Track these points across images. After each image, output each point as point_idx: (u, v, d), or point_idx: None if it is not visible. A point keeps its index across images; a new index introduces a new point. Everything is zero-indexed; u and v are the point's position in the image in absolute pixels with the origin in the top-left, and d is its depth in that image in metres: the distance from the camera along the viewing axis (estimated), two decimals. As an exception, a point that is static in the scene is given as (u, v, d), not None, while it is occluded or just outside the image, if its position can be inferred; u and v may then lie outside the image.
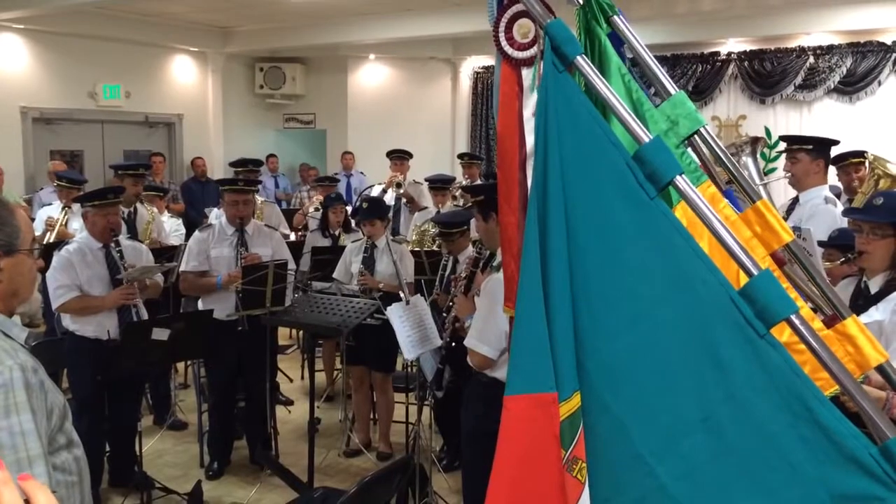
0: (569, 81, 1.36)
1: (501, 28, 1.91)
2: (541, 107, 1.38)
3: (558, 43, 1.34)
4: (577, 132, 1.35)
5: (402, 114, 11.79)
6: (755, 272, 1.26)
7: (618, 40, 1.88)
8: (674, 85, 1.73)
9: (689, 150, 1.79)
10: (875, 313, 2.79)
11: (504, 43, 1.91)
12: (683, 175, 1.30)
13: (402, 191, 7.89)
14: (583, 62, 1.35)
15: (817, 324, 1.62)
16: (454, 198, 7.44)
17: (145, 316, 4.67)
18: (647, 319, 1.33)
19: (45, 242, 5.92)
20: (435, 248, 6.37)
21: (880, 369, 1.52)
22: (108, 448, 4.73)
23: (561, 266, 1.35)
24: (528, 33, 1.88)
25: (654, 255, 1.32)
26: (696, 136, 1.73)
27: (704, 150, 1.79)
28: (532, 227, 1.36)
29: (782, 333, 1.37)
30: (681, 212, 1.61)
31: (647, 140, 1.32)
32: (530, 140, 1.79)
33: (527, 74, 1.88)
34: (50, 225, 6.26)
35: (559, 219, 1.35)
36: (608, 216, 1.34)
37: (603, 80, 1.37)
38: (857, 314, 1.71)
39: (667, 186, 1.30)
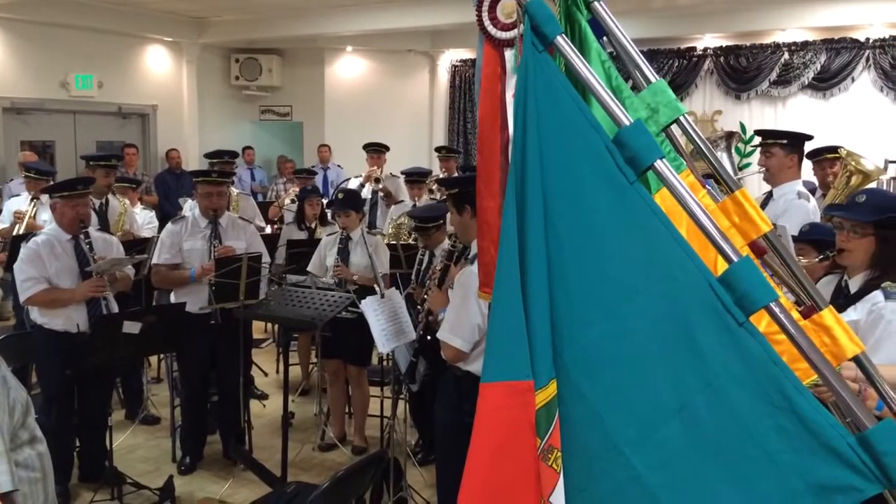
0: (548, 62, 1.33)
1: (485, 7, 1.86)
2: (520, 87, 1.35)
3: (538, 22, 1.31)
4: (556, 114, 1.32)
5: (380, 107, 11.73)
6: (735, 259, 1.24)
7: (598, 29, 1.85)
8: (654, 72, 1.71)
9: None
10: (853, 313, 2.78)
11: (487, 23, 1.86)
12: (664, 159, 1.28)
13: (380, 186, 7.85)
14: (563, 42, 1.32)
15: (795, 314, 1.61)
16: (430, 191, 7.40)
17: (115, 309, 4.59)
18: (625, 306, 1.31)
19: (13, 234, 5.82)
20: (411, 241, 6.33)
21: (856, 360, 1.52)
22: (78, 443, 4.65)
23: (539, 252, 1.32)
24: (511, 13, 1.84)
25: (633, 241, 1.30)
26: (675, 124, 1.71)
27: (683, 139, 1.77)
28: (510, 212, 1.34)
29: (760, 323, 1.35)
30: (660, 199, 1.59)
31: (627, 123, 1.30)
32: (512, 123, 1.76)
33: (510, 56, 1.84)
34: (18, 217, 6.14)
35: (537, 203, 1.32)
36: (587, 200, 1.32)
37: (584, 60, 1.34)
38: (836, 313, 1.69)
39: (647, 170, 1.28)
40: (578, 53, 1.34)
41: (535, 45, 1.32)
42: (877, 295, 2.76)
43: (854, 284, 2.92)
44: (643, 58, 1.69)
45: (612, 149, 1.28)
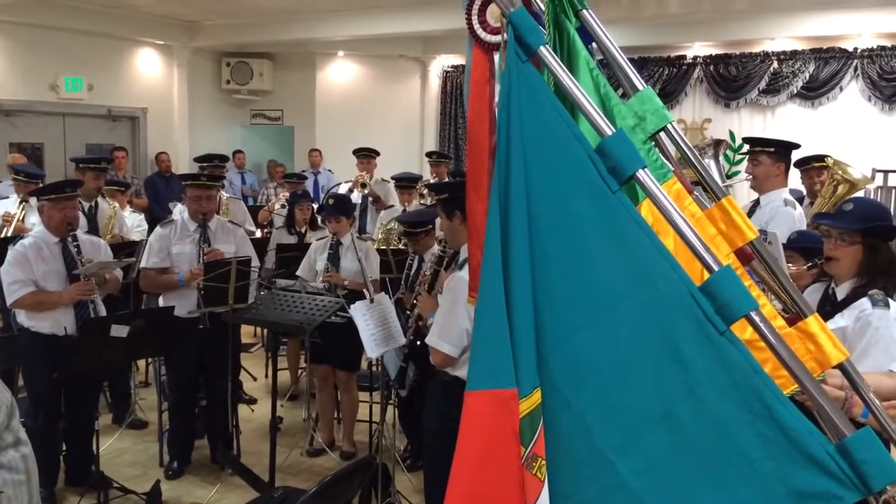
0: (532, 72, 1.34)
1: (474, 11, 1.86)
2: (503, 97, 1.36)
3: (521, 32, 1.32)
4: (539, 123, 1.33)
5: (371, 112, 11.73)
6: (716, 268, 1.25)
7: (587, 37, 1.86)
8: (641, 80, 1.72)
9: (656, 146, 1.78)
10: (840, 320, 2.80)
11: (476, 26, 1.86)
12: (646, 169, 1.29)
13: (367, 191, 7.85)
14: (546, 53, 1.33)
15: (779, 322, 1.62)
16: (421, 196, 7.41)
17: (103, 312, 4.57)
18: (609, 314, 1.32)
19: (1, 237, 5.79)
20: (401, 246, 6.34)
21: (840, 367, 1.53)
22: (64, 447, 4.62)
23: (522, 260, 1.33)
24: (501, 17, 1.85)
25: (616, 250, 1.31)
26: (662, 132, 1.72)
27: (671, 147, 1.78)
28: (494, 220, 1.34)
29: (744, 331, 1.37)
30: (647, 209, 1.60)
31: (609, 133, 1.31)
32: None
33: (497, 60, 1.85)
34: (7, 220, 6.11)
35: (521, 212, 1.33)
36: (570, 210, 1.32)
37: (567, 71, 1.35)
38: (824, 321, 1.71)
39: (629, 180, 1.29)
40: (561, 64, 1.35)
41: (519, 55, 1.33)
42: (864, 302, 2.79)
43: (841, 292, 2.95)
44: (631, 65, 1.70)
45: (595, 158, 1.29)
